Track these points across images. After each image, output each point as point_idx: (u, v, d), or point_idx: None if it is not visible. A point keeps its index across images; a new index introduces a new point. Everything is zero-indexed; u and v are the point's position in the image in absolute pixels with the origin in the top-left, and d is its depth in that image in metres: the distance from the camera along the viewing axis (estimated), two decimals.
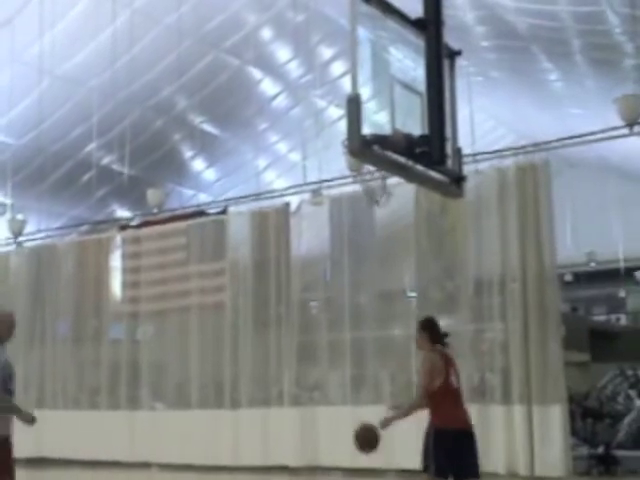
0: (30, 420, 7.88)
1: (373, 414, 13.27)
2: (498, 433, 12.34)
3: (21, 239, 19.55)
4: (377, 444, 7.51)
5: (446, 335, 7.73)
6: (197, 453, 14.92)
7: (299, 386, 14.90)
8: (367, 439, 7.61)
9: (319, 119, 21.34)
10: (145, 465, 15.45)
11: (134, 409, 16.37)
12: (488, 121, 23.92)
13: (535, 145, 13.43)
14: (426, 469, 7.43)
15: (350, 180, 14.19)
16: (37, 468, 16.44)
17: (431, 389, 7.37)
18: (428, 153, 6.78)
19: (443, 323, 13.97)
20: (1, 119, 21.32)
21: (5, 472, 7.36)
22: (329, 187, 15.27)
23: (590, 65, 19.20)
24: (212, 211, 17.23)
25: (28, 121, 20.85)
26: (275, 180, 25.51)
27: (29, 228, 20.11)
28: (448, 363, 7.56)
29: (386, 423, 7.52)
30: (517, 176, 12.91)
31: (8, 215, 21.33)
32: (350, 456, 13.33)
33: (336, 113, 22.49)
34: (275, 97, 23.85)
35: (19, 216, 20.19)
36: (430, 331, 7.71)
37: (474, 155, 12.86)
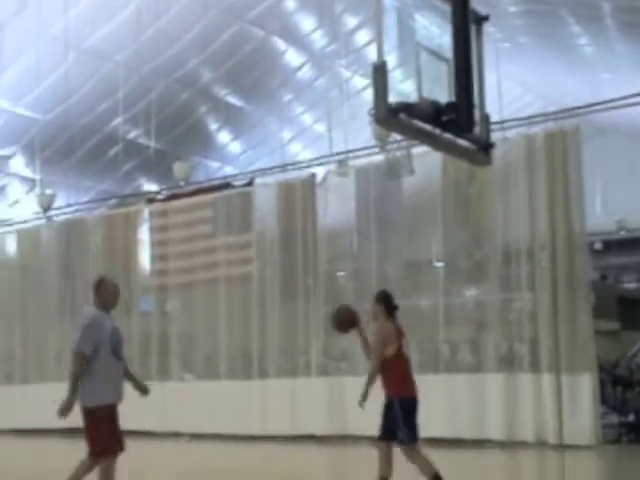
0: (144, 390, 7.99)
1: None
2: (527, 402, 12.32)
3: (50, 213, 19.71)
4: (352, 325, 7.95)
5: (397, 308, 8.00)
6: (226, 423, 15.03)
7: (326, 356, 14.96)
8: (342, 321, 8.06)
9: (344, 89, 21.25)
10: (175, 435, 15.61)
11: (164, 380, 16.51)
12: (516, 88, 23.66)
13: (564, 111, 13.28)
14: (386, 438, 7.82)
15: (376, 150, 14.12)
16: (71, 438, 16.65)
17: (383, 357, 7.73)
18: (455, 120, 6.71)
19: (471, 293, 14.07)
20: (28, 95, 21.41)
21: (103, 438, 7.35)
22: (355, 157, 15.22)
23: (621, 29, 18.91)
24: (238, 183, 17.25)
25: (55, 96, 20.94)
26: (301, 151, 25.49)
27: (58, 202, 20.26)
28: (400, 334, 7.86)
29: (365, 396, 7.81)
30: (546, 143, 12.77)
31: (37, 190, 21.50)
32: (377, 425, 13.45)
33: (361, 83, 22.37)
34: (300, 68, 23.75)
35: (48, 191, 20.34)
36: (385, 304, 7.96)
37: (502, 122, 12.73)
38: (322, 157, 16.47)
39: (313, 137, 25.04)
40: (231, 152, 26.68)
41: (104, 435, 7.32)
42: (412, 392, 7.81)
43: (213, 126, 25.19)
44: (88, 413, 7.28)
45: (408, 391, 7.79)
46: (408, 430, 7.64)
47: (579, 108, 13.41)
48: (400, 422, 7.62)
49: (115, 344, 7.45)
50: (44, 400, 18.10)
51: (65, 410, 7.09)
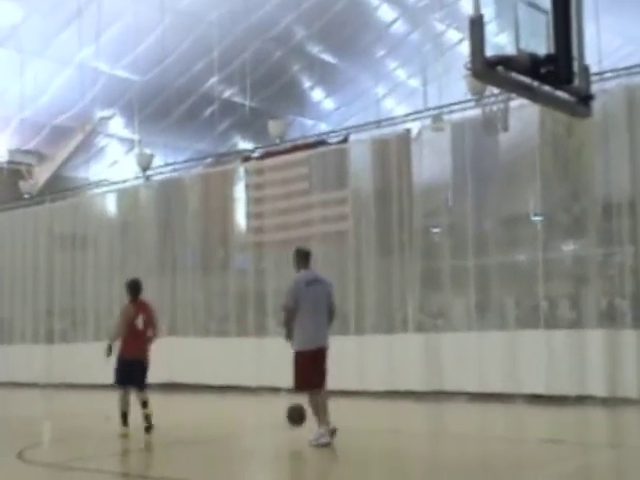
0: None
1: (498, 339, 13.40)
2: (629, 358, 12.09)
3: (149, 173, 20.11)
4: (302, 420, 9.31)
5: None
6: None
7: (423, 312, 14.95)
8: (293, 417, 9.39)
9: (438, 43, 20.98)
10: (273, 390, 15.87)
11: (261, 336, 16.77)
12: (615, 39, 22.96)
13: None
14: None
15: (472, 104, 13.93)
16: (170, 392, 17.17)
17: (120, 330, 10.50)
18: (554, 72, 6.58)
19: (570, 247, 13.82)
20: (126, 57, 21.84)
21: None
22: (450, 112, 15.04)
23: None
24: (333, 140, 17.25)
25: (152, 58, 21.33)
26: (395, 107, 25.33)
27: (156, 162, 20.67)
28: (141, 311, 10.53)
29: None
30: None
31: (136, 150, 21.97)
32: (475, 381, 13.47)
33: (456, 36, 22.05)
34: (393, 22, 23.56)
35: (146, 150, 20.73)
36: (130, 291, 10.67)
37: (601, 74, 12.39)
38: (417, 112, 16.32)
39: (407, 92, 24.83)
40: (325, 109, 26.72)
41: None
42: (129, 354, 10.34)
43: (307, 83, 25.26)
44: None
45: (126, 353, 10.36)
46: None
47: None
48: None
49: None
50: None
51: None
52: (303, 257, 9.44)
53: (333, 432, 8.71)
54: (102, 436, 10.78)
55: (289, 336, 9.13)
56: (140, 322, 10.47)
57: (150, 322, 10.62)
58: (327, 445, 8.58)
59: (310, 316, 9.05)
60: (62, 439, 11.16)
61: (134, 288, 10.72)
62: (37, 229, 21.72)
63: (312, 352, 9.06)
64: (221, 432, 10.98)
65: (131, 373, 10.36)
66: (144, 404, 10.27)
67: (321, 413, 8.86)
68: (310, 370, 9.02)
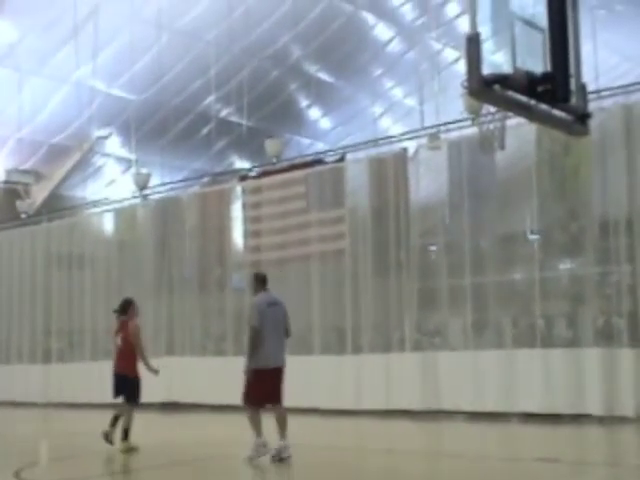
0: None
1: (495, 358, 13.37)
2: (627, 376, 12.06)
3: (146, 192, 20.10)
4: None
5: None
6: (321, 397, 15.15)
7: (420, 331, 14.92)
8: None
9: (435, 62, 21.06)
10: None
11: None
12: (612, 56, 23.06)
13: None
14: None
15: (468, 123, 13.96)
16: (167, 412, 17.10)
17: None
18: (551, 91, 6.58)
19: (566, 266, 13.82)
20: (123, 76, 21.89)
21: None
22: (447, 131, 15.06)
23: None
24: (330, 159, 17.28)
25: (148, 77, 21.38)
26: (392, 126, 25.40)
27: (152, 181, 20.66)
28: (121, 330, 11.15)
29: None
30: None
31: (133, 169, 21.98)
32: (472, 399, 13.43)
33: (452, 55, 22.14)
34: (389, 42, 23.65)
35: (143, 170, 20.73)
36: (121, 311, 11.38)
37: (598, 92, 12.41)
38: (413, 131, 16.35)
39: (404, 111, 24.91)
40: (322, 128, 26.77)
41: None
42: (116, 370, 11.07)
43: (304, 102, 25.32)
44: None
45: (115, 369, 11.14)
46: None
47: None
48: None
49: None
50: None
51: None
52: (261, 281, 10.05)
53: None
54: (100, 455, 10.72)
55: (251, 356, 9.58)
56: (119, 340, 11.12)
57: (128, 340, 11.04)
58: (266, 454, 9.27)
59: (270, 336, 9.63)
60: (59, 458, 11.11)
61: (119, 307, 11.47)
62: (34, 248, 21.69)
63: (269, 371, 9.60)
64: (218, 451, 10.93)
65: (118, 387, 10.99)
66: (122, 426, 10.54)
67: (281, 428, 9.46)
68: (264, 388, 9.57)
